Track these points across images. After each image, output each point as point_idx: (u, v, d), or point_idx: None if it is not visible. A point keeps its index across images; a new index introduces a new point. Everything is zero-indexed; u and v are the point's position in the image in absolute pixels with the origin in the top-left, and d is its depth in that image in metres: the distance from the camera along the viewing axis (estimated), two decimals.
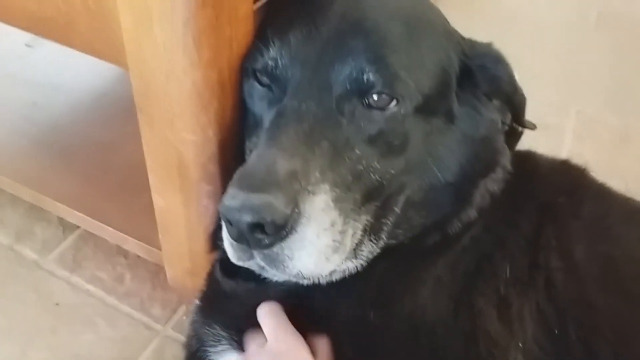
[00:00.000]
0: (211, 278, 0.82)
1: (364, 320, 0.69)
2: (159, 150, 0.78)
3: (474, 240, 0.74)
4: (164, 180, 0.81)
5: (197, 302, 0.97)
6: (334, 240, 0.62)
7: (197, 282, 0.95)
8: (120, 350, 1.04)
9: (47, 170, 1.18)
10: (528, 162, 0.84)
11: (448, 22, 0.76)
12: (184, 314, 1.10)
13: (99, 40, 0.75)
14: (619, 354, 0.67)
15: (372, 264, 0.70)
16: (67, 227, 1.24)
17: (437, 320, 0.68)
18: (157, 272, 1.14)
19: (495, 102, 0.77)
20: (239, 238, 0.60)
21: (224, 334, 0.76)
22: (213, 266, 0.81)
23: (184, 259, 0.92)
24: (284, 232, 0.58)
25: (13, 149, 1.24)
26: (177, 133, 0.73)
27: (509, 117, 0.80)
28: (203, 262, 0.88)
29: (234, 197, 0.57)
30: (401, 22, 0.69)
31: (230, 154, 0.76)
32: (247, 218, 0.56)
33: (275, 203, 0.56)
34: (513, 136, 0.83)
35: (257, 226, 0.57)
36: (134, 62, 0.71)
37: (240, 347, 0.73)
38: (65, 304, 1.11)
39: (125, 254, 1.19)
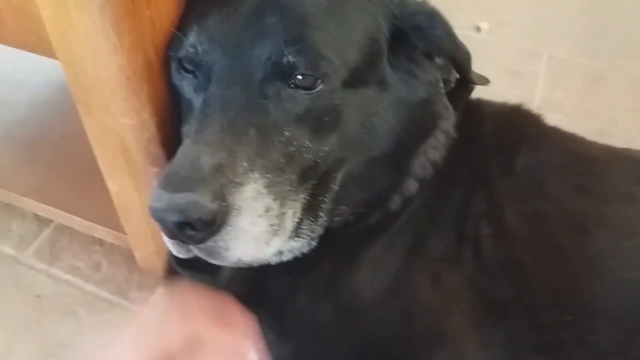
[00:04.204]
0: (172, 267, 0.82)
1: (314, 309, 0.70)
2: (102, 137, 0.79)
3: (412, 216, 0.73)
4: (112, 166, 0.83)
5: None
6: (271, 225, 0.61)
7: (164, 262, 0.97)
8: (102, 335, 1.06)
9: (14, 167, 1.20)
10: (474, 118, 0.81)
11: None
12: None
13: (27, 34, 0.75)
14: (556, 304, 0.67)
15: (322, 247, 0.70)
16: (42, 221, 1.26)
17: (372, 303, 0.68)
18: (131, 256, 1.15)
19: (438, 61, 0.76)
20: (172, 236, 0.60)
21: None
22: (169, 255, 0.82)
23: (147, 241, 0.94)
24: (214, 227, 0.58)
25: None
26: (115, 118, 0.74)
27: (453, 75, 0.79)
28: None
29: (159, 199, 0.57)
30: None
31: (172, 134, 0.77)
32: (173, 218, 0.56)
33: (201, 200, 0.56)
34: (464, 91, 0.81)
35: (186, 224, 0.57)
36: (62, 53, 0.71)
37: None
38: (45, 295, 1.14)
39: (100, 242, 1.21)
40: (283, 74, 0.63)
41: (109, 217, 1.07)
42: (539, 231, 0.71)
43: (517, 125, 0.82)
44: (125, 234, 1.00)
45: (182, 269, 0.78)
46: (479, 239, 0.70)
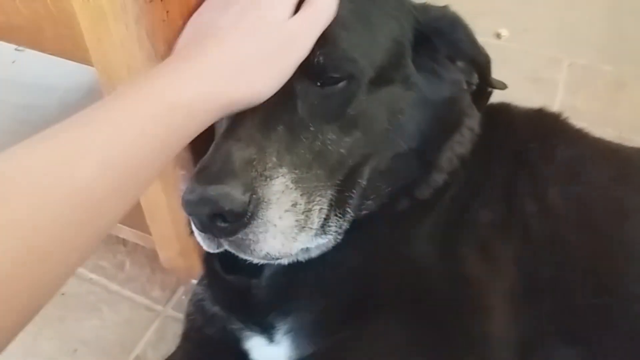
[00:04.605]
0: (210, 268, 0.84)
1: (368, 280, 0.71)
2: None
3: (454, 199, 0.75)
4: None
5: (194, 282, 1.02)
6: (297, 220, 0.62)
7: (188, 263, 1.00)
8: (124, 333, 1.10)
9: None
10: (502, 115, 0.84)
11: None
12: (183, 294, 1.15)
13: (65, 42, 0.78)
14: (593, 286, 0.69)
15: (359, 234, 0.71)
16: None
17: (426, 267, 0.70)
18: (154, 256, 1.17)
19: (459, 64, 0.77)
20: (204, 229, 0.61)
21: (242, 325, 0.80)
22: (208, 256, 0.84)
23: (172, 242, 0.96)
24: (245, 219, 0.59)
25: None
26: None
27: (475, 78, 0.80)
28: (190, 243, 0.93)
29: (192, 191, 0.58)
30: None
31: (200, 139, 0.79)
32: (206, 210, 0.57)
33: (232, 192, 0.57)
34: (482, 96, 0.83)
35: (218, 216, 0.58)
36: (98, 60, 0.74)
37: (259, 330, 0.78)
38: (70, 293, 1.17)
39: (124, 242, 1.24)
40: (312, 74, 0.65)
41: (134, 218, 1.10)
42: (581, 212, 0.73)
43: (548, 120, 0.85)
44: (150, 234, 1.03)
45: (227, 274, 0.80)
46: (526, 216, 0.72)
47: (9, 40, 0.87)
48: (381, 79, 0.69)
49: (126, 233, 1.11)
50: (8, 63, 1.55)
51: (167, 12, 0.67)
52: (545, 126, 0.84)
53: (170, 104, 0.54)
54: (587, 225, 0.73)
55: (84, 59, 0.77)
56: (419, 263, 0.70)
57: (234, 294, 0.81)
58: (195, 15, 0.68)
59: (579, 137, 0.84)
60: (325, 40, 0.65)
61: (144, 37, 0.67)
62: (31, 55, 1.55)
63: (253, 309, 0.78)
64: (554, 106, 1.59)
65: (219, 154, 0.61)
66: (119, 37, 0.68)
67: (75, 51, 0.78)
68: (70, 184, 0.46)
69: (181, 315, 1.08)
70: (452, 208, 0.74)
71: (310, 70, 0.65)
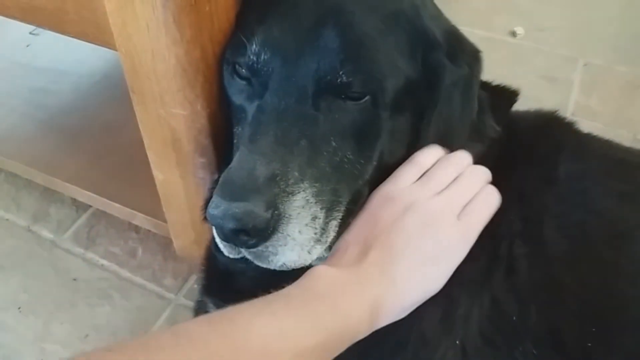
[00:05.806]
0: (209, 252, 0.85)
1: None
2: (153, 127, 0.81)
3: None
4: (160, 156, 0.84)
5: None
6: (315, 234, 0.64)
7: (202, 251, 0.99)
8: (136, 320, 1.09)
9: (57, 153, 1.23)
10: (507, 134, 0.80)
11: (436, 10, 0.75)
12: (195, 283, 1.14)
13: (88, 25, 0.77)
14: (584, 322, 0.67)
15: None
16: (80, 206, 1.29)
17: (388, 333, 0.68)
18: (167, 244, 1.18)
19: None
20: (227, 240, 0.63)
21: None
22: (211, 241, 0.83)
23: (187, 230, 0.96)
24: (267, 234, 0.61)
25: (25, 135, 1.30)
26: (168, 109, 0.76)
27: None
28: (206, 231, 0.92)
29: (217, 206, 0.60)
30: (381, 17, 0.68)
31: (221, 126, 0.79)
32: (230, 225, 0.59)
33: (256, 210, 0.59)
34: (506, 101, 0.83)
35: (241, 231, 0.60)
36: (122, 44, 0.73)
37: None
38: (82, 279, 1.17)
39: (136, 228, 1.24)
40: (336, 90, 0.66)
41: (148, 204, 1.09)
42: (579, 244, 0.70)
43: (554, 133, 0.81)
44: (164, 221, 1.02)
45: (220, 255, 0.80)
46: (514, 259, 0.70)
47: (30, 22, 0.86)
48: (396, 106, 0.69)
49: (140, 220, 1.11)
50: (22, 47, 1.54)
51: None
52: (549, 140, 0.80)
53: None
54: (584, 256, 0.70)
55: (108, 43, 0.76)
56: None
57: (220, 276, 0.81)
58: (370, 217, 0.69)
59: (585, 149, 0.80)
60: (349, 59, 0.65)
61: (170, 21, 0.66)
62: (46, 40, 1.56)
63: (233, 294, 0.78)
64: (569, 106, 1.59)
65: (242, 168, 0.63)
66: (144, 20, 0.68)
67: (98, 34, 0.77)
68: None
69: (193, 304, 1.08)
70: None
71: (334, 87, 0.66)
